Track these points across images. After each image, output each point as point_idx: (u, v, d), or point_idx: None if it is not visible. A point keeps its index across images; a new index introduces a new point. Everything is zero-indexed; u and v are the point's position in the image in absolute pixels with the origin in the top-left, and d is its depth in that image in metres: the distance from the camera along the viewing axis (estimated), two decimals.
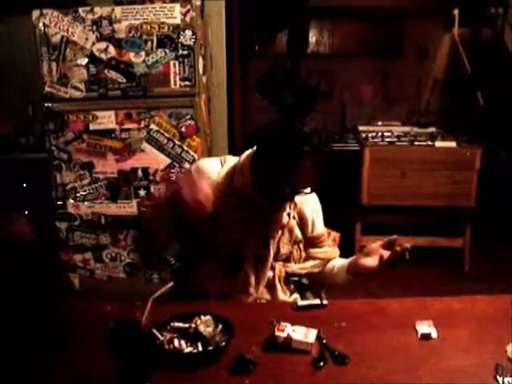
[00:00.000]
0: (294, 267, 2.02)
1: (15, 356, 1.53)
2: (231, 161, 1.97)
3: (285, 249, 1.98)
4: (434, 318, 1.65)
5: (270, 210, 1.91)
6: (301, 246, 2.03)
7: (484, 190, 4.23)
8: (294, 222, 1.99)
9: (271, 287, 1.98)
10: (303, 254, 2.04)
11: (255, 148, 1.87)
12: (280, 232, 1.96)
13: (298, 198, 1.96)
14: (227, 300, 1.91)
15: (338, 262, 2.06)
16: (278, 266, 1.98)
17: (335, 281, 2.06)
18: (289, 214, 1.97)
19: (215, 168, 1.95)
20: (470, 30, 5.36)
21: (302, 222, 2.02)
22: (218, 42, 3.61)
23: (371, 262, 1.83)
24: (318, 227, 2.07)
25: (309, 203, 2.03)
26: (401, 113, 5.48)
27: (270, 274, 1.97)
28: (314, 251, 2.06)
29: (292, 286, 2.06)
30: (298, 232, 2.00)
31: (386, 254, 1.80)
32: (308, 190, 1.83)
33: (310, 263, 2.05)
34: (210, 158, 2.04)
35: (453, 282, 4.01)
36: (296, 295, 2.06)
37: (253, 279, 1.94)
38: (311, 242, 2.05)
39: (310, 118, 1.80)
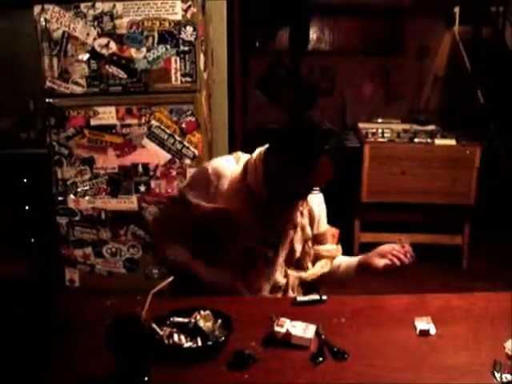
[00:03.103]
0: (304, 276, 2.03)
1: (15, 353, 1.53)
2: (244, 158, 1.96)
3: (297, 247, 1.99)
4: (433, 315, 1.66)
5: (280, 210, 1.92)
6: (309, 243, 2.04)
7: (483, 188, 4.24)
8: (306, 221, 1.99)
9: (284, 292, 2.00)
10: (312, 251, 2.05)
11: (269, 147, 1.86)
12: (293, 231, 1.96)
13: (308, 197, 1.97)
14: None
15: (344, 260, 2.08)
16: (292, 276, 1.99)
17: (340, 278, 2.09)
18: (302, 213, 1.98)
19: (231, 167, 1.93)
20: (470, 28, 5.36)
21: (311, 220, 2.03)
22: (219, 38, 3.61)
23: (383, 262, 1.86)
24: (323, 224, 2.08)
25: (316, 201, 2.04)
26: (401, 110, 5.48)
27: (283, 280, 1.98)
28: (319, 249, 2.07)
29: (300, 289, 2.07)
30: (308, 230, 2.01)
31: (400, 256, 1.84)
32: (317, 189, 1.84)
33: (318, 266, 2.05)
34: (224, 158, 2.01)
35: (451, 279, 4.02)
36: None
37: (263, 280, 1.94)
38: (316, 239, 2.06)
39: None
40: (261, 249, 1.92)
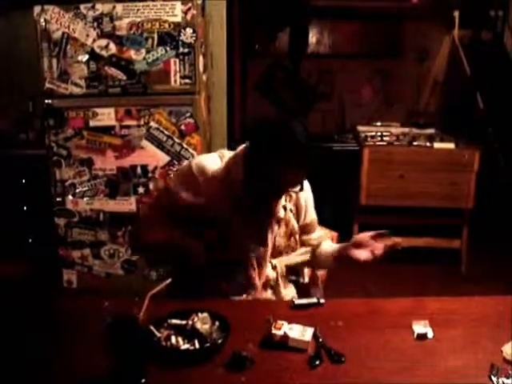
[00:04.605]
0: (290, 257, 2.03)
1: (14, 353, 1.53)
2: (228, 155, 1.95)
3: (280, 242, 1.98)
4: (430, 318, 1.66)
5: (262, 207, 1.91)
6: (296, 237, 2.03)
7: (482, 192, 4.24)
8: (290, 215, 1.99)
9: (274, 285, 1.99)
10: (298, 245, 2.05)
11: (248, 145, 1.86)
12: (277, 226, 1.96)
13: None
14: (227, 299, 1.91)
15: (325, 249, 2.09)
16: (279, 264, 2.00)
17: (322, 266, 2.14)
18: (285, 208, 1.97)
19: (214, 165, 1.91)
20: (470, 32, 5.37)
21: (298, 212, 2.02)
22: (218, 41, 3.61)
23: (364, 255, 1.85)
24: (310, 214, 2.08)
25: (303, 193, 2.01)
26: (400, 114, 5.49)
27: (273, 274, 1.98)
28: (308, 238, 2.08)
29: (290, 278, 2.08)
30: (294, 224, 2.01)
31: (379, 247, 1.83)
32: (297, 188, 1.83)
33: (295, 255, 2.06)
34: (208, 155, 2.01)
35: (449, 282, 4.02)
36: (294, 291, 2.07)
37: (255, 279, 1.94)
38: (303, 229, 2.06)
39: (302, 119, 1.81)
40: (249, 247, 1.92)
